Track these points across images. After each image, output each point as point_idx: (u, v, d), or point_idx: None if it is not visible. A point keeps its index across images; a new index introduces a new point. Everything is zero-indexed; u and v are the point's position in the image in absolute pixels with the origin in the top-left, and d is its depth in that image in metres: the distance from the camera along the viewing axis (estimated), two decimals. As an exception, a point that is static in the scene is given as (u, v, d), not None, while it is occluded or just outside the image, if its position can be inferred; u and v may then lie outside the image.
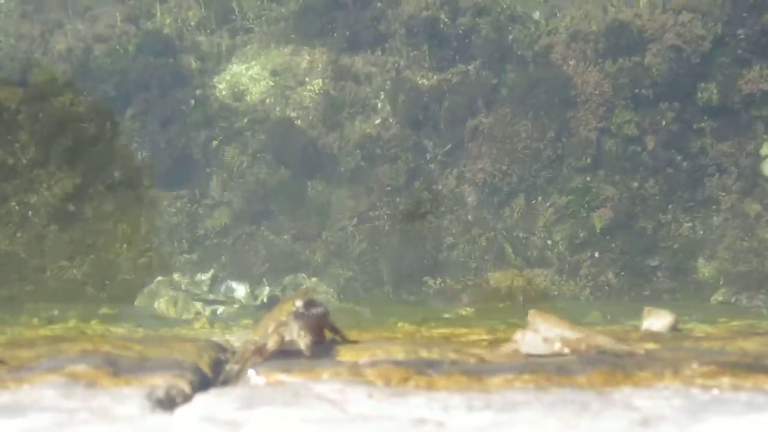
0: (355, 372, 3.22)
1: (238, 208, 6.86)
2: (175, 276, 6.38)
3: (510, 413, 2.85)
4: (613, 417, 2.77)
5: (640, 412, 2.82)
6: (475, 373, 3.21)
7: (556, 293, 6.59)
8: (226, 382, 3.27)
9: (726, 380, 3.10)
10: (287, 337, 3.38)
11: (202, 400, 3.02)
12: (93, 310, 5.51)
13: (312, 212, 6.81)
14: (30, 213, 6.53)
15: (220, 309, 6.11)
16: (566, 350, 3.38)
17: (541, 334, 3.43)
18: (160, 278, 6.32)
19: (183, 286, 6.23)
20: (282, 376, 3.19)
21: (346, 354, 3.47)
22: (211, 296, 6.19)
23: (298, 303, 3.43)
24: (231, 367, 3.39)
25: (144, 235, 6.68)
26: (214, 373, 3.41)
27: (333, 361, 3.36)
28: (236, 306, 6.17)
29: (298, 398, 2.98)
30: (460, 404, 2.92)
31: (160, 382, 3.12)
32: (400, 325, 4.82)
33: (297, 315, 3.41)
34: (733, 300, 6.40)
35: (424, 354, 3.47)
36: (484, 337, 3.99)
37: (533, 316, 3.48)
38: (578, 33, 7.05)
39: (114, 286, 6.40)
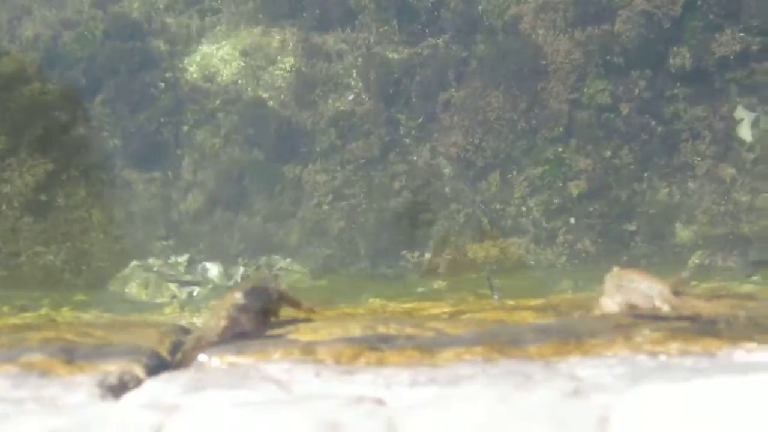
0: (307, 351, 3.23)
1: (211, 189, 6.86)
2: (150, 259, 6.39)
3: (454, 387, 2.86)
4: (549, 389, 2.79)
5: (580, 381, 2.83)
6: (428, 348, 3.22)
7: (533, 262, 6.61)
8: (179, 366, 3.29)
9: (675, 345, 3.11)
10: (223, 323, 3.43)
11: (151, 385, 3.04)
12: (67, 297, 5.53)
13: (287, 191, 6.81)
14: (3, 204, 6.53)
15: (195, 290, 6.13)
16: (666, 308, 3.26)
17: (635, 293, 3.31)
18: (134, 262, 6.34)
19: (156, 268, 6.24)
20: (234, 358, 3.21)
21: (302, 333, 3.48)
22: (185, 278, 6.21)
23: (238, 295, 3.48)
24: (180, 355, 3.42)
25: (118, 220, 6.69)
26: (173, 356, 3.42)
27: (287, 340, 3.37)
28: (210, 287, 6.19)
29: (246, 380, 2.99)
30: (404, 380, 2.93)
31: (114, 369, 3.13)
32: (371, 300, 4.85)
33: (238, 307, 3.46)
34: (707, 262, 6.42)
35: (381, 330, 3.47)
36: (446, 310, 4.01)
37: (622, 275, 3.29)
38: (547, 2, 7.01)
39: (89, 272, 6.42)
